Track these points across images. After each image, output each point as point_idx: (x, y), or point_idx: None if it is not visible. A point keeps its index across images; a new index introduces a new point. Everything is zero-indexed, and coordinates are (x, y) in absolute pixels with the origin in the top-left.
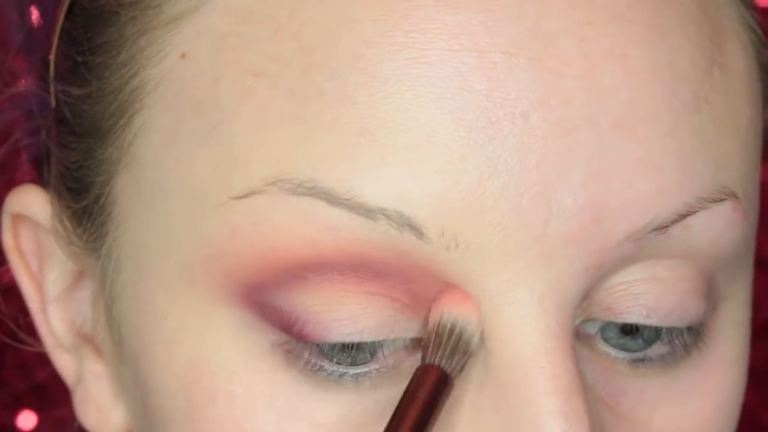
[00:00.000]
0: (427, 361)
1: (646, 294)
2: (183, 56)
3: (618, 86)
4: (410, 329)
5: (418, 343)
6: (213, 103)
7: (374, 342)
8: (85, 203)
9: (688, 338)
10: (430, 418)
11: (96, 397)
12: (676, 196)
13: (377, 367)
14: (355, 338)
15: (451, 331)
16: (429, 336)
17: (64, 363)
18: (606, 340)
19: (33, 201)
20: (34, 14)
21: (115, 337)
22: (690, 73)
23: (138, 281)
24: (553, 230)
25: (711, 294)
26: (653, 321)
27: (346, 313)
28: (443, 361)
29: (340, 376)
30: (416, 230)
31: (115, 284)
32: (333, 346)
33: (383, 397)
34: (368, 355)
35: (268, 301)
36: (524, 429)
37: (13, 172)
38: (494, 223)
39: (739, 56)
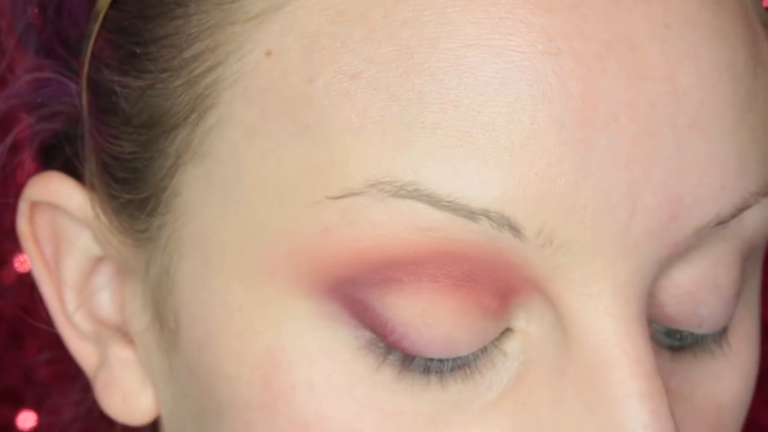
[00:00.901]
0: None
1: (703, 305)
2: (269, 53)
3: (692, 88)
4: (496, 332)
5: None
6: (306, 103)
7: None
8: (141, 195)
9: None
10: None
11: (122, 383)
12: (735, 192)
13: (465, 370)
14: (450, 355)
15: None
16: None
17: (82, 349)
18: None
19: (60, 189)
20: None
21: (169, 326)
22: (744, 73)
23: (206, 272)
24: (636, 226)
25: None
26: (703, 330)
27: (443, 330)
28: None
29: (425, 369)
30: (515, 230)
31: (175, 275)
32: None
33: (459, 388)
34: (458, 363)
35: (358, 297)
36: (611, 409)
37: (12, 159)
38: (586, 220)
39: (767, 54)
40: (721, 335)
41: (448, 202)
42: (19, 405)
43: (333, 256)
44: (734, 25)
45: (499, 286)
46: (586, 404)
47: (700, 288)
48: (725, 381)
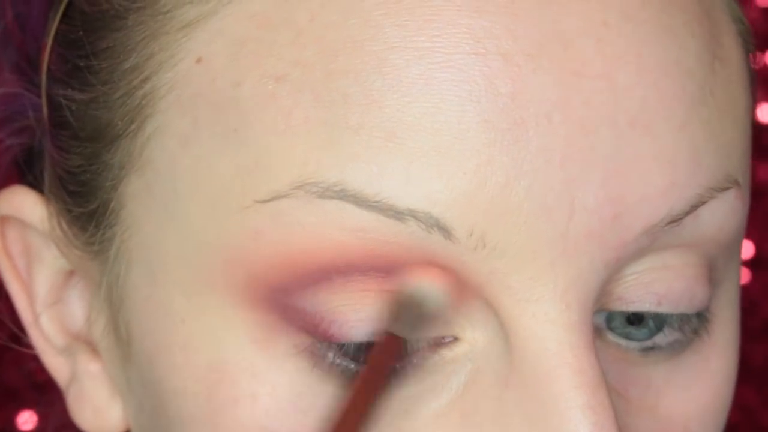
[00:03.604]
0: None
1: (657, 282)
2: (199, 61)
3: (633, 85)
4: (435, 327)
5: (440, 341)
6: (233, 107)
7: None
8: (90, 207)
9: (696, 323)
10: (381, 379)
11: (91, 396)
12: (688, 188)
13: (402, 364)
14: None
15: (410, 300)
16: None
17: (55, 363)
18: (612, 329)
19: (24, 203)
20: (9, 14)
21: (122, 338)
22: (696, 69)
23: (151, 284)
24: (575, 227)
25: (713, 278)
26: (664, 308)
27: (370, 312)
28: (398, 328)
29: None
30: (445, 231)
31: (124, 286)
32: (358, 346)
33: (407, 394)
34: None
35: (290, 303)
36: (552, 422)
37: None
38: (520, 222)
39: (733, 48)
40: (697, 331)
41: (375, 202)
42: (19, 405)
43: (265, 261)
44: (685, 20)
45: None
46: (527, 418)
47: (646, 270)
48: (695, 389)
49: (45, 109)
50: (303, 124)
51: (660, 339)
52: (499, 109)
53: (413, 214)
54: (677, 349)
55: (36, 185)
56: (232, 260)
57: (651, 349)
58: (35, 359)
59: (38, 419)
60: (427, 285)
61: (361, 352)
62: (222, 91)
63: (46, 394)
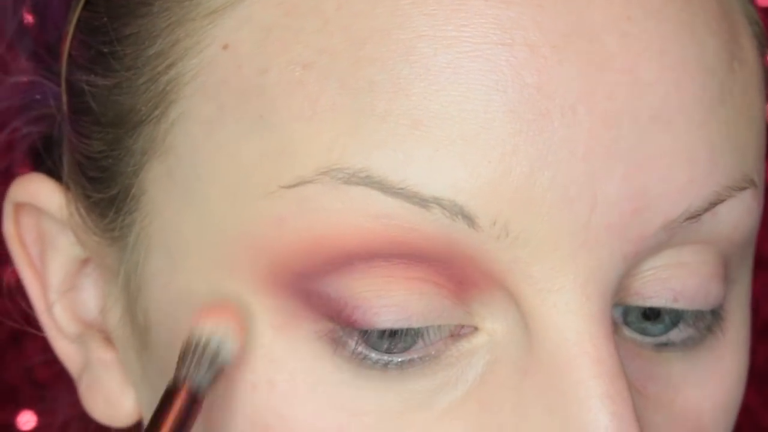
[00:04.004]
0: (177, 374)
1: (674, 278)
2: (225, 47)
3: (655, 81)
4: (454, 316)
5: (459, 331)
6: (258, 94)
7: (420, 329)
8: (110, 193)
9: (710, 320)
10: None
11: (104, 385)
12: (706, 186)
13: (420, 355)
14: (404, 324)
15: (197, 345)
16: (181, 351)
17: (67, 352)
18: (628, 324)
19: (40, 190)
20: (28, 3)
21: (139, 325)
22: (716, 68)
23: (171, 270)
24: (597, 219)
25: (728, 277)
26: (680, 305)
27: (395, 299)
28: (191, 373)
29: (385, 365)
30: (469, 219)
31: (143, 273)
32: (380, 333)
33: (423, 387)
34: (412, 343)
35: (313, 289)
36: (572, 411)
37: (9, 161)
38: (543, 212)
39: (750, 49)
40: (711, 328)
41: (400, 189)
42: (19, 405)
43: (288, 248)
44: (705, 19)
45: (454, 273)
46: (546, 406)
47: (664, 267)
48: (709, 387)
49: (64, 96)
50: (329, 111)
51: (674, 335)
52: (525, 100)
53: (438, 202)
54: (690, 345)
55: (53, 173)
56: (254, 246)
57: (665, 345)
58: (35, 359)
59: (38, 419)
60: (212, 328)
61: (384, 340)
62: (248, 77)
63: (46, 394)
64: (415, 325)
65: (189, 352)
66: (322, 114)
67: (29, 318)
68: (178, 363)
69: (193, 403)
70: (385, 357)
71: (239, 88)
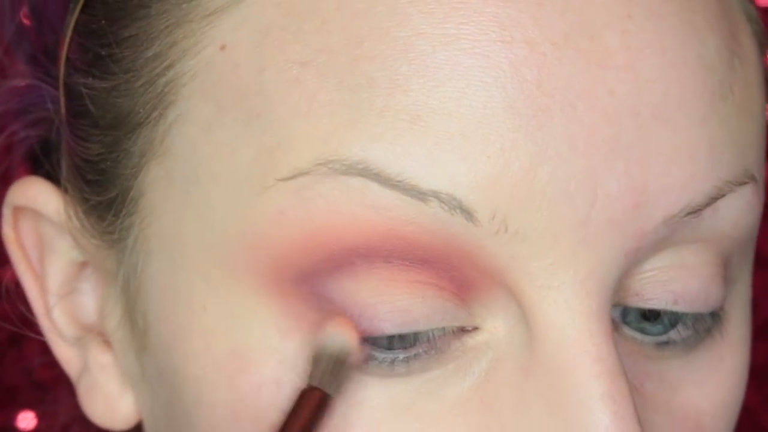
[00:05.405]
0: (309, 382)
1: (674, 281)
2: (223, 48)
3: (656, 78)
4: (457, 317)
5: (463, 329)
6: (256, 92)
7: (425, 330)
8: (108, 196)
9: (710, 322)
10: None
11: (103, 388)
12: (707, 182)
13: (426, 348)
14: (411, 328)
15: (332, 355)
16: (313, 360)
17: (66, 355)
18: (627, 324)
19: (38, 193)
20: (25, 7)
21: (139, 328)
22: (717, 65)
23: (171, 272)
24: (597, 215)
25: (728, 276)
26: (680, 307)
27: (399, 304)
28: (324, 382)
29: (391, 362)
30: (467, 213)
31: (142, 275)
32: (389, 338)
33: (431, 377)
34: (416, 341)
35: (317, 291)
36: (572, 412)
37: (7, 165)
38: (542, 207)
39: (750, 47)
40: (711, 329)
41: (398, 181)
42: (19, 406)
43: (288, 243)
44: (705, 17)
45: (454, 275)
46: (548, 406)
47: (665, 268)
48: (709, 386)
49: (62, 99)
50: (327, 106)
51: (674, 335)
52: (525, 96)
53: (436, 195)
54: (690, 345)
55: (51, 176)
56: (254, 244)
57: (666, 343)
58: (35, 359)
59: (38, 419)
60: (340, 335)
61: (393, 343)
62: (245, 76)
63: (46, 394)
64: (422, 328)
65: (323, 358)
66: (319, 109)
67: (28, 321)
68: (312, 367)
69: (324, 405)
70: (392, 354)
71: (236, 87)
